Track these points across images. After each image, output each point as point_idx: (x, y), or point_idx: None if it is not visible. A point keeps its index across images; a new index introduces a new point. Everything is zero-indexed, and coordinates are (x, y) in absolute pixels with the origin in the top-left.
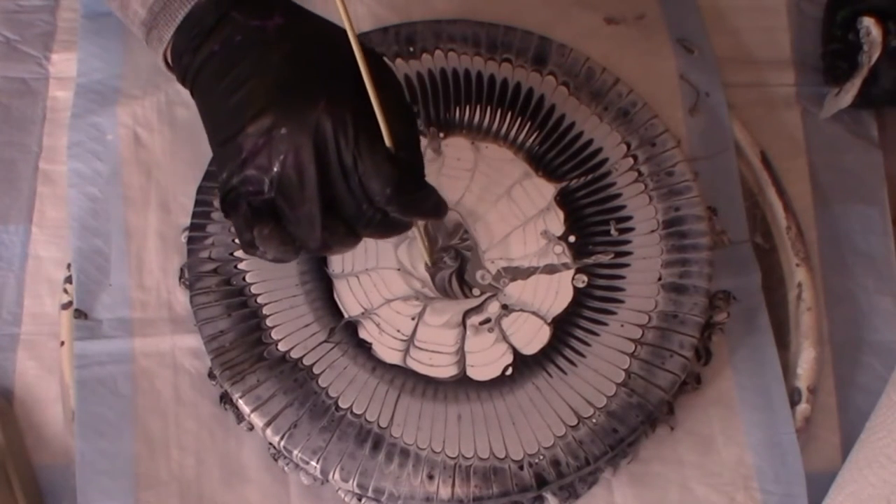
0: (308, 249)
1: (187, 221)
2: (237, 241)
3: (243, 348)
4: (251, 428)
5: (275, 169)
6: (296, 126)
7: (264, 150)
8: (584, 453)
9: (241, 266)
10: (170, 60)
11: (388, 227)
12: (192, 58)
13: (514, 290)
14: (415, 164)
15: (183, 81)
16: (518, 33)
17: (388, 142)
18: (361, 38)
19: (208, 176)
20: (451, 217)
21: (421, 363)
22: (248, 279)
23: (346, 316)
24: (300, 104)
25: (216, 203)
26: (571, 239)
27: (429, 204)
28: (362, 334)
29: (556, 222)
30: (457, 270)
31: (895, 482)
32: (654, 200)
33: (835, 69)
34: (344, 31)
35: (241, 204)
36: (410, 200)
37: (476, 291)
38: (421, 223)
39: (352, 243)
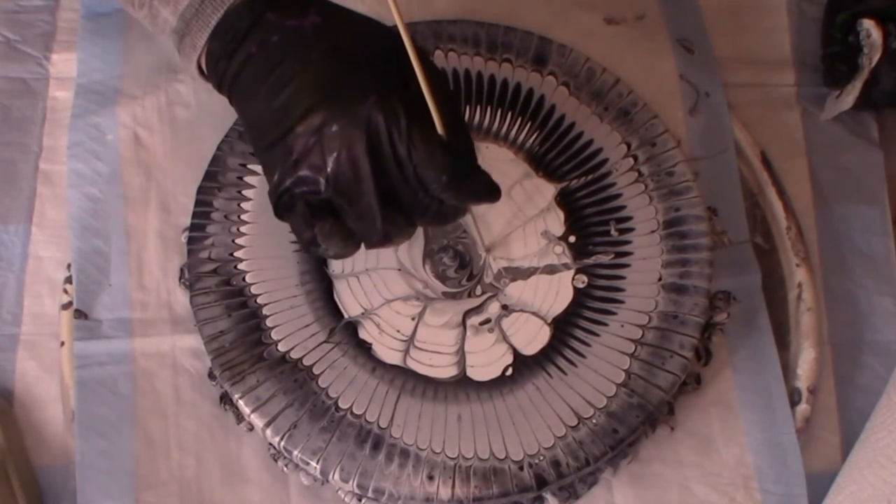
0: (369, 242)
1: (187, 221)
2: (297, 241)
3: (243, 349)
4: (251, 428)
5: (329, 167)
6: (348, 122)
7: (316, 148)
8: (584, 454)
9: (241, 266)
10: (204, 67)
11: (445, 215)
12: (228, 63)
13: (515, 291)
14: (467, 150)
15: (219, 87)
16: (518, 33)
17: (440, 130)
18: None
19: (208, 176)
20: None
21: (421, 363)
22: (248, 279)
23: (346, 316)
24: (350, 100)
25: (216, 203)
26: (571, 239)
27: (483, 188)
28: (362, 335)
29: (556, 222)
30: (460, 265)
31: (895, 482)
32: (655, 201)
33: (835, 72)
34: (380, 24)
35: (297, 204)
36: (466, 186)
37: (478, 290)
38: (474, 209)
39: (410, 233)
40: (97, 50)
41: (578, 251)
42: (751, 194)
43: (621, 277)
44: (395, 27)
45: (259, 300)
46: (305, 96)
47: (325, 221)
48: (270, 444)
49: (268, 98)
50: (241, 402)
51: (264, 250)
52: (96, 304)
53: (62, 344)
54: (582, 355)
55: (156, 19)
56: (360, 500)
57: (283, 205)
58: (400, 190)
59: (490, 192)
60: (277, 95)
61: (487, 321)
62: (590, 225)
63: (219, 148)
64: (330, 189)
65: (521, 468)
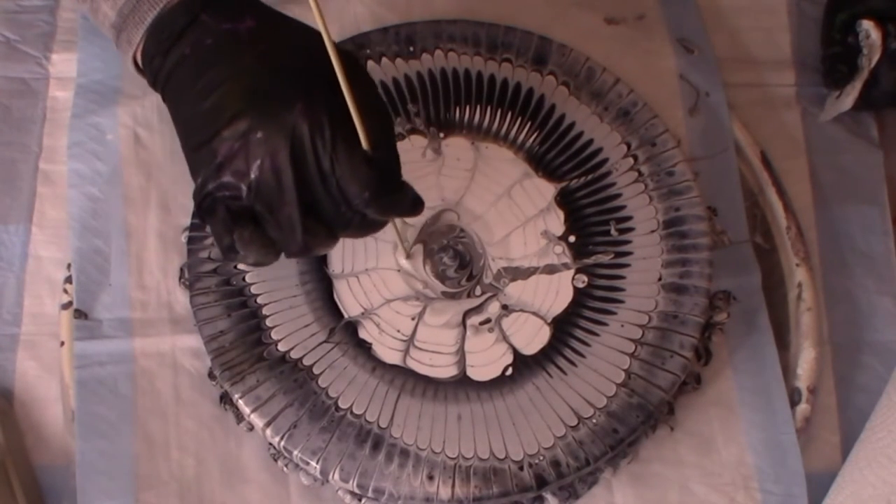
0: (289, 252)
1: (187, 221)
2: (217, 246)
3: (243, 348)
4: (251, 428)
5: (252, 174)
6: (272, 130)
7: (240, 154)
8: (584, 454)
9: (240, 266)
10: (140, 63)
11: (367, 227)
12: (162, 61)
13: (515, 291)
14: (391, 164)
15: (153, 85)
16: (518, 33)
17: (364, 144)
18: (360, 38)
19: None
20: (446, 218)
21: (421, 363)
22: (247, 279)
23: (345, 316)
24: (276, 108)
25: None
26: (571, 239)
27: (406, 203)
28: (362, 334)
29: (556, 222)
30: (460, 265)
31: (895, 482)
32: (655, 200)
33: (835, 72)
34: (316, 33)
35: (218, 209)
36: (388, 202)
37: (478, 290)
38: (397, 220)
39: (331, 244)
40: (97, 50)
41: (578, 251)
42: (751, 194)
43: (621, 277)
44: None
45: (259, 300)
46: (233, 101)
47: (245, 228)
48: (270, 444)
49: (197, 100)
50: (241, 402)
51: None
52: (96, 304)
53: (62, 344)
54: (582, 355)
55: (97, 13)
56: (360, 500)
57: (205, 208)
58: (322, 201)
59: (412, 206)
60: (207, 98)
61: (487, 321)
62: (590, 225)
63: None
64: (252, 196)
65: (521, 468)
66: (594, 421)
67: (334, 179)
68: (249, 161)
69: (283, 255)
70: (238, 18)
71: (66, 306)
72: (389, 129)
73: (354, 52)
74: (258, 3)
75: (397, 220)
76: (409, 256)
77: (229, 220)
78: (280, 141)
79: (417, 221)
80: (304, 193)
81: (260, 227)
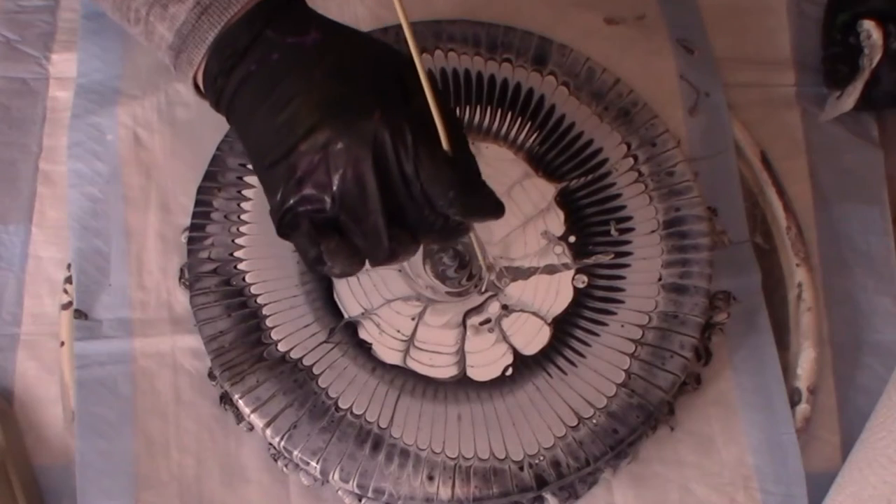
0: (375, 260)
1: (187, 221)
2: (301, 261)
3: (243, 349)
4: (251, 428)
5: (335, 185)
6: (353, 140)
7: (321, 166)
8: (584, 454)
9: (240, 266)
10: (201, 84)
11: (450, 232)
12: (226, 80)
13: (515, 291)
14: (472, 166)
15: (217, 106)
16: (518, 33)
17: (446, 145)
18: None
19: (208, 176)
20: None
21: (421, 363)
22: (247, 279)
23: (346, 316)
24: (355, 117)
25: (216, 203)
26: (571, 239)
27: (490, 204)
28: (362, 335)
29: (556, 222)
30: (460, 266)
31: (895, 482)
32: (655, 201)
33: (836, 73)
34: (379, 41)
35: (302, 223)
36: (473, 202)
37: (479, 290)
38: (475, 226)
39: (414, 251)
40: (97, 50)
41: (578, 251)
42: (751, 194)
43: (621, 277)
44: (397, 45)
45: (259, 300)
46: (309, 114)
47: (331, 240)
48: (270, 444)
49: (269, 116)
50: (241, 402)
51: (264, 250)
52: (96, 304)
53: (62, 344)
54: (582, 355)
55: (152, 35)
56: (360, 500)
57: (286, 223)
58: (406, 207)
59: (496, 208)
60: (279, 113)
61: (487, 321)
62: (590, 225)
63: (219, 148)
64: (336, 207)
65: (521, 468)
66: (594, 421)
67: (418, 183)
68: (331, 172)
69: (366, 263)
70: (303, 32)
71: (66, 306)
72: (462, 132)
73: None
74: (319, 16)
75: (477, 228)
76: (489, 269)
77: (314, 233)
78: (362, 150)
79: None
80: (388, 200)
81: (345, 237)
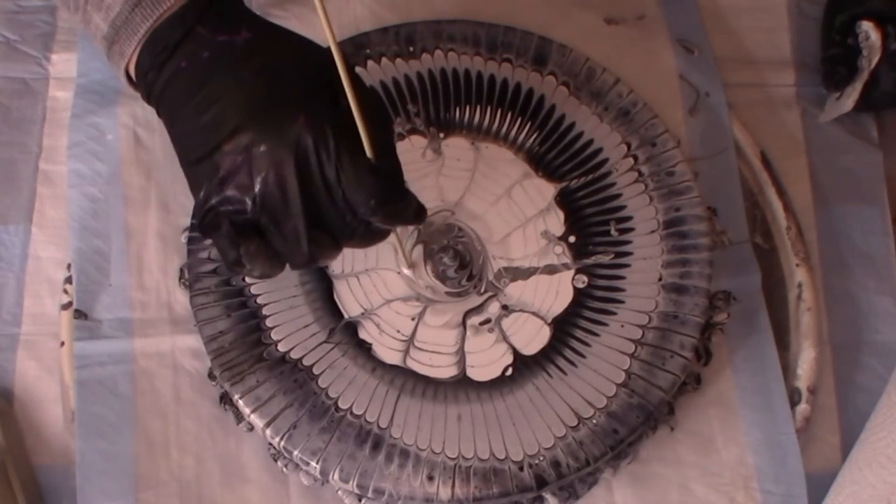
0: (294, 264)
1: (187, 221)
2: (222, 261)
3: (243, 349)
4: (251, 428)
5: (256, 187)
6: (276, 142)
7: (244, 167)
8: (584, 454)
9: None
10: (133, 77)
11: (371, 237)
12: (157, 75)
13: (515, 291)
14: (395, 172)
15: (147, 99)
16: (518, 33)
17: (369, 153)
18: (360, 38)
19: None
20: (441, 217)
21: (421, 364)
22: (247, 280)
23: (345, 316)
24: (279, 120)
25: None
26: (571, 239)
27: (410, 211)
28: (362, 335)
29: (556, 222)
30: (460, 266)
31: (895, 482)
32: (655, 201)
33: (834, 74)
34: (312, 44)
35: (222, 223)
36: (394, 210)
37: (479, 290)
38: (398, 229)
39: (335, 255)
40: (97, 50)
41: (578, 251)
42: (751, 194)
43: (621, 277)
44: (328, 46)
45: (259, 300)
46: (234, 114)
47: (251, 242)
48: (270, 444)
49: (196, 114)
50: (240, 402)
51: None
52: (96, 304)
53: (62, 344)
54: (582, 355)
55: (88, 24)
56: (360, 500)
57: (207, 223)
58: (327, 212)
59: (416, 214)
60: (206, 112)
61: (487, 321)
62: (590, 225)
63: None
64: (257, 209)
65: (521, 468)
66: (594, 421)
67: (340, 190)
68: (253, 174)
69: (287, 266)
70: (234, 30)
71: (66, 306)
72: (391, 137)
73: (353, 53)
74: (253, 15)
75: (398, 229)
76: (410, 266)
77: (234, 235)
78: (284, 153)
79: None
80: (309, 205)
81: (265, 240)
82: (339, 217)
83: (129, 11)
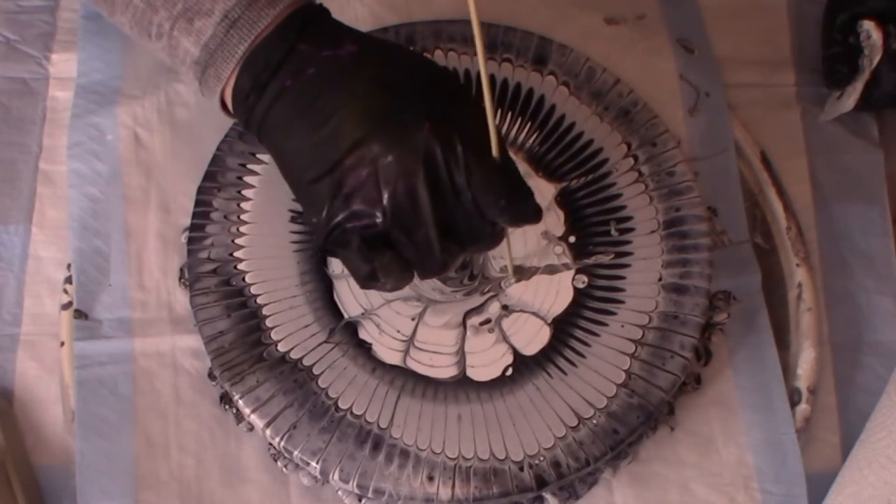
0: (428, 272)
1: (187, 221)
2: (353, 277)
3: (243, 349)
4: (251, 428)
5: (385, 199)
6: (404, 152)
7: (369, 181)
8: (584, 454)
9: (240, 266)
10: (229, 101)
11: (493, 240)
12: (258, 97)
13: (515, 291)
14: (517, 171)
15: (247, 123)
16: (518, 33)
17: (495, 152)
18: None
19: (208, 176)
20: None
21: (421, 364)
22: (247, 280)
23: (346, 316)
24: (403, 130)
25: (216, 203)
26: (572, 239)
27: (534, 209)
28: (362, 335)
29: (556, 222)
30: (460, 266)
31: (895, 482)
32: (655, 201)
33: (835, 73)
34: (413, 52)
35: (352, 240)
36: (523, 208)
37: (479, 290)
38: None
39: (460, 261)
40: (97, 50)
41: (578, 251)
42: (751, 194)
43: (621, 277)
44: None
45: (259, 300)
46: (354, 128)
47: (384, 255)
48: (270, 444)
49: (309, 132)
50: (241, 402)
51: (264, 250)
52: (96, 304)
53: (62, 344)
54: (582, 355)
55: (175, 50)
56: (360, 500)
57: (334, 241)
58: (456, 217)
59: (536, 213)
60: (320, 128)
61: (487, 321)
62: (590, 225)
63: (219, 148)
64: (387, 221)
65: (521, 468)
66: (594, 421)
67: (469, 193)
68: (381, 186)
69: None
70: (337, 45)
71: (66, 306)
72: (503, 136)
73: None
74: (351, 29)
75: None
76: (516, 274)
77: (365, 250)
78: (414, 162)
79: None
80: (440, 211)
81: (396, 251)
82: (467, 221)
83: (225, 33)
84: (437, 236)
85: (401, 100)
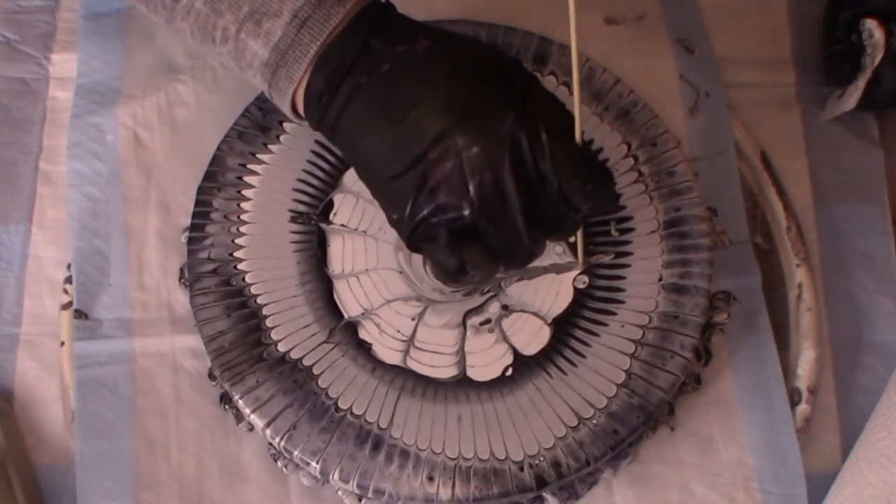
0: (515, 262)
1: (187, 221)
2: (439, 272)
3: (243, 349)
4: (251, 428)
5: (472, 191)
6: (489, 143)
7: (454, 173)
8: (584, 454)
9: (240, 266)
10: (299, 103)
11: (575, 226)
12: (332, 96)
13: (515, 291)
14: (596, 157)
15: (319, 123)
16: (518, 33)
17: (578, 138)
18: None
19: (208, 176)
20: None
21: (421, 364)
22: (247, 279)
23: (346, 316)
24: (488, 120)
25: (216, 203)
26: (572, 239)
27: (614, 193)
28: (362, 335)
29: None
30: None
31: (895, 482)
32: (655, 201)
33: (838, 70)
34: (484, 43)
35: (440, 234)
36: (607, 193)
37: (479, 290)
38: None
39: (543, 249)
40: (97, 50)
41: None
42: (751, 194)
43: (621, 277)
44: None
45: (259, 300)
46: (436, 121)
47: (472, 247)
48: (270, 444)
49: (387, 128)
50: (240, 402)
51: (264, 250)
52: (96, 304)
53: (62, 344)
54: (582, 355)
55: (242, 54)
56: (360, 500)
57: (420, 236)
58: (542, 205)
59: (616, 198)
60: (400, 124)
61: (488, 321)
62: (590, 225)
63: (219, 148)
64: (474, 213)
65: (521, 468)
66: (594, 421)
67: (555, 180)
68: (467, 178)
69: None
70: (410, 39)
71: (66, 306)
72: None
73: None
74: (422, 23)
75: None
76: (584, 264)
77: (454, 243)
78: (500, 153)
79: None
80: (526, 201)
81: (483, 242)
82: (552, 209)
83: (295, 33)
84: (525, 225)
85: (481, 91)
